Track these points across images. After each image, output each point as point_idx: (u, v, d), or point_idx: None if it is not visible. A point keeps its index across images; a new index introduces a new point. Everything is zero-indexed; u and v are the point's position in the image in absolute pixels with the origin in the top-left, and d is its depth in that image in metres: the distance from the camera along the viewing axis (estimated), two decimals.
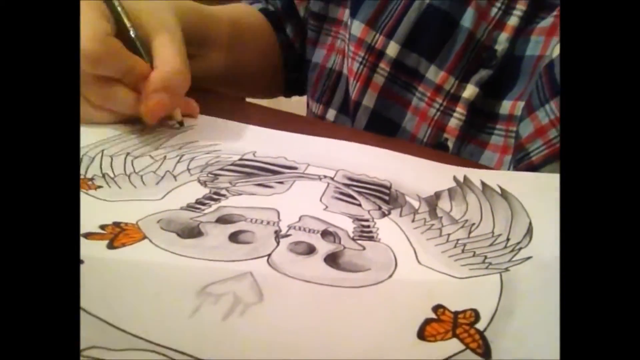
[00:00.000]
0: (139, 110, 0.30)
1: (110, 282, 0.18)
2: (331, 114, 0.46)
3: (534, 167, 0.34)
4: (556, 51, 0.33)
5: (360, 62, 0.40)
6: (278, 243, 0.21)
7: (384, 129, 0.40)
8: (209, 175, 0.27)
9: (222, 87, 0.46)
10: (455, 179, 0.29)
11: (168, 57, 0.31)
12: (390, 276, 0.20)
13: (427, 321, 0.18)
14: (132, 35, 0.31)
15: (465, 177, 0.30)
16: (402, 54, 0.39)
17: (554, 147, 0.33)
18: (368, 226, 0.24)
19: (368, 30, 0.40)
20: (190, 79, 0.32)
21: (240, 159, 0.29)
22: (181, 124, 0.32)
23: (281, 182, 0.27)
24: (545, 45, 0.36)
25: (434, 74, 0.38)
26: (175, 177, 0.26)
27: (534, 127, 0.34)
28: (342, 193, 0.27)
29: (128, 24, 0.31)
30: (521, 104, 0.36)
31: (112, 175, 0.26)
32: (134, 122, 0.31)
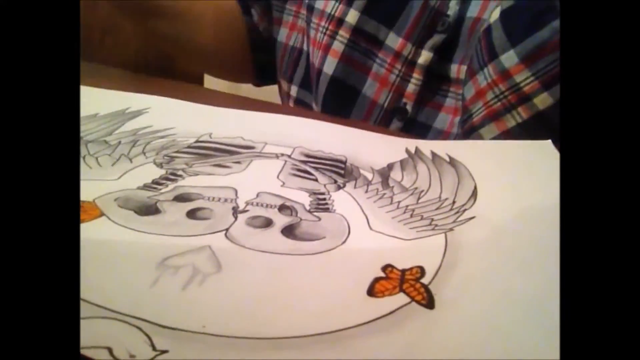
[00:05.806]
0: None
1: None
2: (294, 90, 0.47)
3: (474, 128, 0.36)
4: (494, 15, 0.35)
5: (321, 32, 0.42)
6: (236, 218, 0.22)
7: (343, 95, 0.41)
8: (165, 157, 0.27)
9: (184, 62, 0.46)
10: (407, 150, 0.31)
11: None
12: (344, 242, 0.21)
13: (377, 279, 0.19)
14: None
15: (416, 149, 0.31)
16: (361, 21, 0.40)
17: (491, 108, 0.35)
18: (324, 199, 0.25)
19: (328, 1, 0.41)
20: None
21: (197, 141, 0.29)
22: None
23: (238, 162, 0.28)
24: (483, 8, 0.37)
25: (393, 40, 0.39)
26: (130, 159, 0.27)
27: (474, 89, 0.35)
28: (299, 169, 0.28)
29: None
30: (464, 67, 0.37)
31: None
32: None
